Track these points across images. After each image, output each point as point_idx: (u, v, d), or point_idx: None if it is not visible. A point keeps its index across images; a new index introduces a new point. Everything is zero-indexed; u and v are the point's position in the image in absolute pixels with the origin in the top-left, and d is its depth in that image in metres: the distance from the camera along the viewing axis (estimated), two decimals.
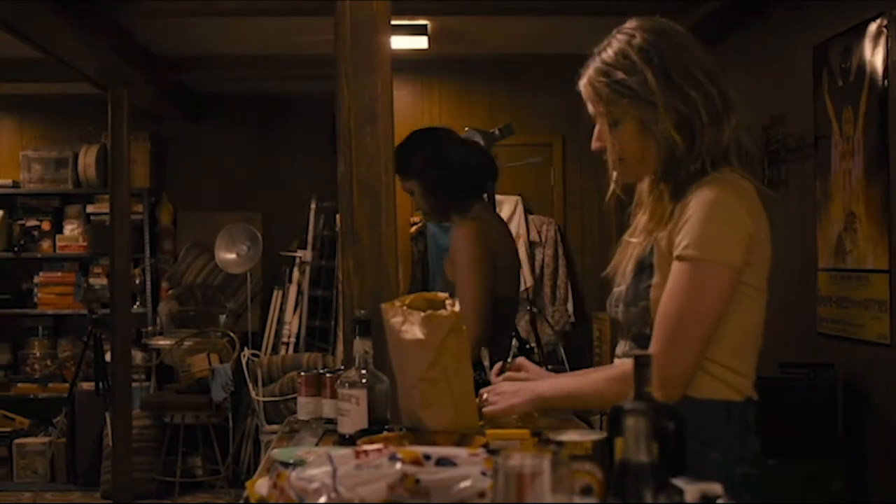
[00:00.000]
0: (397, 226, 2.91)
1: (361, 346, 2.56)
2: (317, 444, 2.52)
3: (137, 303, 8.29)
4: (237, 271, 7.96)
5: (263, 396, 6.80)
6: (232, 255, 7.90)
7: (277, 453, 2.22)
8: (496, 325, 3.58)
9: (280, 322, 8.07)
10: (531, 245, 7.28)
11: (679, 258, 2.11)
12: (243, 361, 7.00)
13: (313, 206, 8.06)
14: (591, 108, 2.27)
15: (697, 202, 2.11)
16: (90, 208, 8.34)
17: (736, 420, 2.17)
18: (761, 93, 5.26)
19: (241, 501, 1.86)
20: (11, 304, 8.36)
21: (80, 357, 7.54)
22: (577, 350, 7.21)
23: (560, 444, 1.63)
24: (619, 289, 2.31)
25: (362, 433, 2.43)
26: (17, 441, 7.90)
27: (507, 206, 7.25)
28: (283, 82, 7.99)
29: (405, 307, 2.38)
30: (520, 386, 2.45)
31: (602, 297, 7.32)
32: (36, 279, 8.40)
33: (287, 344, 7.91)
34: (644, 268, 2.22)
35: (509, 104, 7.42)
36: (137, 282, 8.32)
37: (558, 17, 6.24)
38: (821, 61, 4.68)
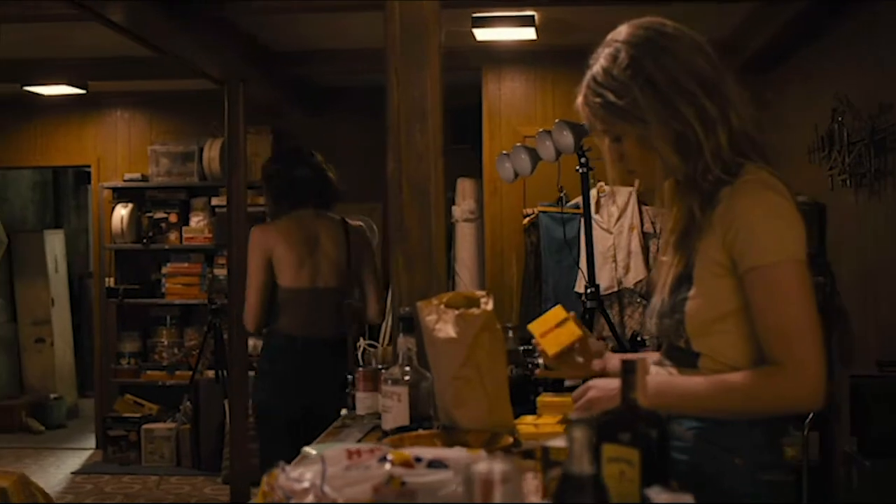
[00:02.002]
0: (445, 223, 2.90)
1: (405, 343, 2.58)
2: (360, 440, 2.55)
3: None
4: None
5: None
6: None
7: (310, 449, 2.25)
8: (275, 306, 4.64)
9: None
10: (645, 236, 7.18)
11: (751, 270, 2.04)
12: (359, 352, 7.08)
13: None
14: (591, 126, 2.24)
15: (742, 208, 2.05)
16: (215, 200, 8.54)
17: (759, 424, 2.11)
18: (869, 81, 5.09)
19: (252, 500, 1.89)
20: (141, 293, 8.66)
21: (201, 346, 7.76)
22: None
23: (546, 449, 1.63)
24: (655, 300, 2.26)
25: (398, 430, 2.45)
26: (145, 426, 8.17)
27: (621, 197, 7.17)
28: None
29: (441, 305, 2.39)
30: (610, 392, 2.20)
31: None
32: (164, 270, 8.69)
33: None
34: (683, 281, 2.15)
35: None
36: None
37: (668, 4, 6.13)
38: None
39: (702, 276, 2.11)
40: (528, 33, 6.52)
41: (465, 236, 7.74)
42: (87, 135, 9.00)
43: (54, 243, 10.41)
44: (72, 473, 7.99)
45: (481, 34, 6.50)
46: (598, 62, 2.19)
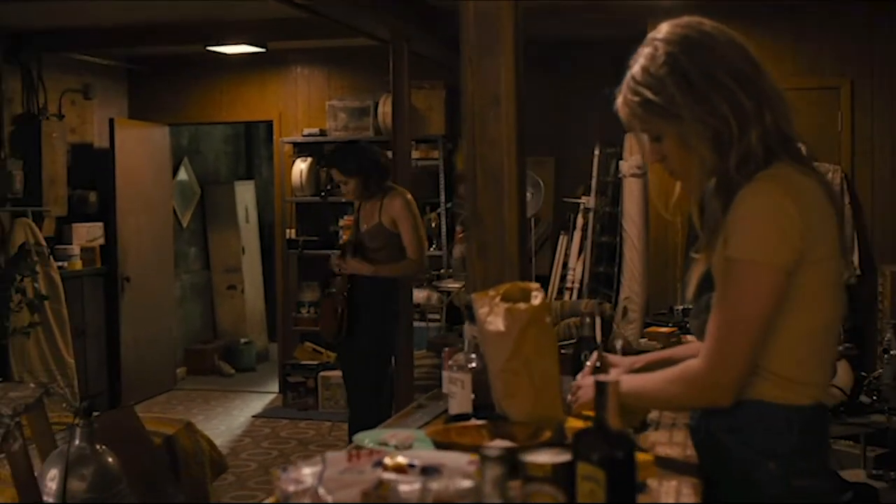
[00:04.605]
0: (521, 210, 2.92)
1: (471, 330, 2.64)
2: (424, 426, 2.62)
3: (434, 245, 8.64)
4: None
5: None
6: None
7: (360, 437, 2.33)
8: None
9: (565, 267, 8.18)
10: None
11: (724, 260, 2.06)
12: None
13: (597, 152, 8.07)
14: (632, 126, 2.23)
15: (741, 200, 2.05)
16: (389, 154, 8.69)
17: (797, 430, 2.08)
18: None
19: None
20: (319, 245, 8.95)
21: None
22: (862, 305, 6.81)
23: (523, 464, 1.66)
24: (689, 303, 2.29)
25: (455, 418, 2.52)
26: (322, 374, 8.48)
27: None
28: (571, 27, 7.99)
29: (497, 298, 2.43)
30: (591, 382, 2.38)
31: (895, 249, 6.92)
32: (341, 222, 8.94)
33: (571, 289, 8.00)
34: (706, 281, 2.17)
35: (794, 48, 7.10)
36: (434, 225, 8.66)
37: None
38: None
39: (717, 275, 2.12)
40: None
41: (631, 192, 7.68)
42: (269, 91, 9.33)
43: (245, 194, 10.84)
44: (252, 417, 8.40)
45: None
46: (638, 61, 2.19)
